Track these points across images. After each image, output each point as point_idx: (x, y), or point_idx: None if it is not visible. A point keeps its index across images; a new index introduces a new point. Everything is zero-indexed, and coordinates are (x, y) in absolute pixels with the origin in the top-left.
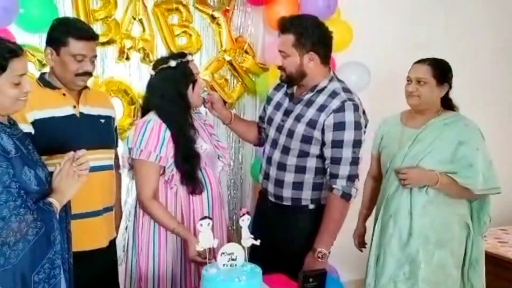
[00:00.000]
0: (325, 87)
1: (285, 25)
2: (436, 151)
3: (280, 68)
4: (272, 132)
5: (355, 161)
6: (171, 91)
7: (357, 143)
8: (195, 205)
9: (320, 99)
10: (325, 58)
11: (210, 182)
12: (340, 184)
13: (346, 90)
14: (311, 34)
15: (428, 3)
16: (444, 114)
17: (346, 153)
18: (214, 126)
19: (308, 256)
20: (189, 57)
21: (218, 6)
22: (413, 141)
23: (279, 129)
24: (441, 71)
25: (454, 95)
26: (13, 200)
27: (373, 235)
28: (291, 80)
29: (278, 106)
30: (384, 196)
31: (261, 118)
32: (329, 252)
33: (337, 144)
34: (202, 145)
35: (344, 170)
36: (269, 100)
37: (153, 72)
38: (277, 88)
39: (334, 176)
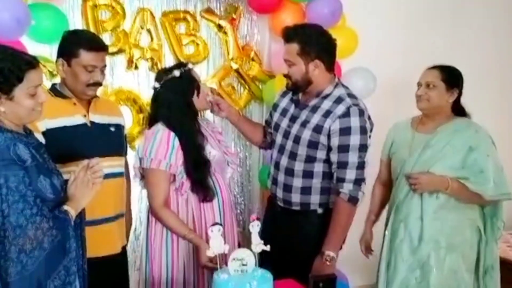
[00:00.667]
0: (330, 93)
1: (289, 35)
2: (447, 157)
3: (286, 76)
4: (279, 138)
5: (361, 165)
6: (178, 101)
7: (363, 148)
8: (206, 211)
9: (326, 105)
10: (330, 65)
11: (220, 188)
12: (347, 188)
13: (351, 95)
14: (315, 42)
15: (434, 9)
16: (455, 120)
17: (352, 157)
18: (222, 133)
19: (316, 259)
20: (189, 65)
21: (224, 15)
22: (423, 146)
23: (285, 135)
24: (451, 76)
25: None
26: (30, 209)
27: (383, 240)
28: (297, 88)
29: (284, 112)
30: (395, 202)
31: (267, 122)
32: (337, 256)
33: (343, 149)
34: (211, 152)
35: (350, 174)
36: (275, 106)
37: (157, 84)
38: (283, 94)
39: (341, 180)
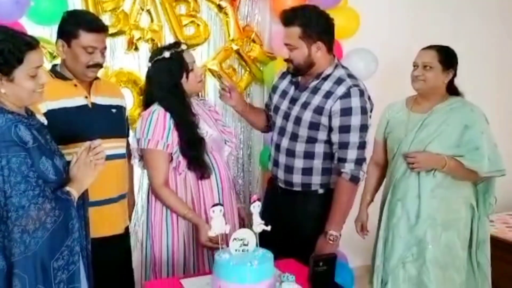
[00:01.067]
0: (330, 74)
1: (289, 18)
2: (443, 136)
3: (287, 60)
4: (279, 120)
5: (362, 145)
6: (167, 81)
7: (363, 128)
8: (204, 189)
9: (326, 86)
10: (330, 45)
11: (218, 166)
12: (348, 168)
13: (351, 76)
14: (315, 24)
15: None
16: (449, 100)
17: (354, 137)
18: (219, 112)
19: (320, 239)
20: (183, 47)
21: None
22: (420, 126)
23: (286, 116)
24: (447, 57)
25: (461, 83)
26: (32, 190)
27: (380, 219)
28: (299, 71)
29: (284, 94)
30: (392, 181)
31: (267, 105)
32: (340, 235)
33: (345, 129)
34: (208, 131)
35: (352, 154)
36: (274, 88)
37: (149, 64)
38: (282, 76)
39: (343, 160)
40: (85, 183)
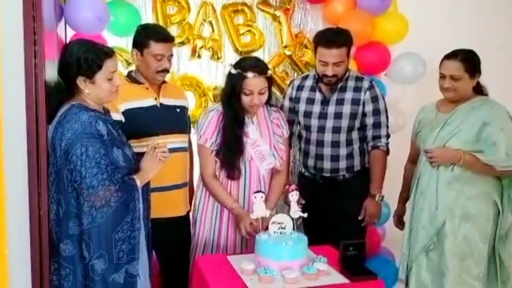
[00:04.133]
0: (348, 75)
1: (340, 41)
2: (462, 132)
3: (333, 76)
4: (314, 122)
5: (388, 124)
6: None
7: (387, 111)
8: (232, 189)
9: (350, 84)
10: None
11: (250, 173)
12: (384, 141)
13: (360, 73)
14: (351, 41)
15: None
16: (473, 99)
17: (383, 118)
18: (281, 127)
19: (368, 202)
20: (249, 74)
21: (279, 6)
22: (443, 124)
23: (322, 116)
24: (472, 64)
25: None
26: (101, 174)
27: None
28: (339, 80)
29: (311, 101)
30: (416, 176)
31: (291, 112)
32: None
33: (376, 112)
34: (257, 141)
35: (384, 131)
36: (297, 100)
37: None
38: (299, 89)
39: (378, 137)
40: (150, 174)
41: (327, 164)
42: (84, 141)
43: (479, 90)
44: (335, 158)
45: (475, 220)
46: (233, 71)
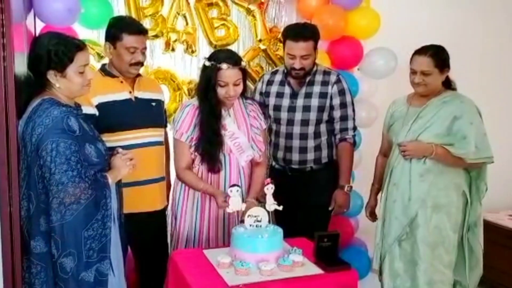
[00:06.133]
0: (316, 69)
1: (307, 34)
2: (433, 126)
3: (301, 69)
4: (284, 115)
5: (354, 117)
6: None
7: (353, 104)
8: (212, 182)
9: (318, 78)
10: None
11: (230, 166)
12: (350, 134)
13: (328, 68)
14: (318, 36)
15: None
16: (443, 93)
17: (350, 111)
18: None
19: (337, 193)
20: (223, 65)
21: (253, 0)
22: (415, 118)
23: (291, 109)
24: (441, 59)
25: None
26: (71, 170)
27: (380, 202)
28: (307, 73)
29: (280, 94)
30: (389, 168)
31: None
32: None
33: (343, 105)
34: (234, 133)
35: (350, 124)
36: (267, 94)
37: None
38: (268, 83)
39: (345, 130)
40: (121, 173)
41: (295, 156)
42: (55, 137)
43: (448, 84)
44: (303, 150)
45: (446, 210)
46: (207, 63)
